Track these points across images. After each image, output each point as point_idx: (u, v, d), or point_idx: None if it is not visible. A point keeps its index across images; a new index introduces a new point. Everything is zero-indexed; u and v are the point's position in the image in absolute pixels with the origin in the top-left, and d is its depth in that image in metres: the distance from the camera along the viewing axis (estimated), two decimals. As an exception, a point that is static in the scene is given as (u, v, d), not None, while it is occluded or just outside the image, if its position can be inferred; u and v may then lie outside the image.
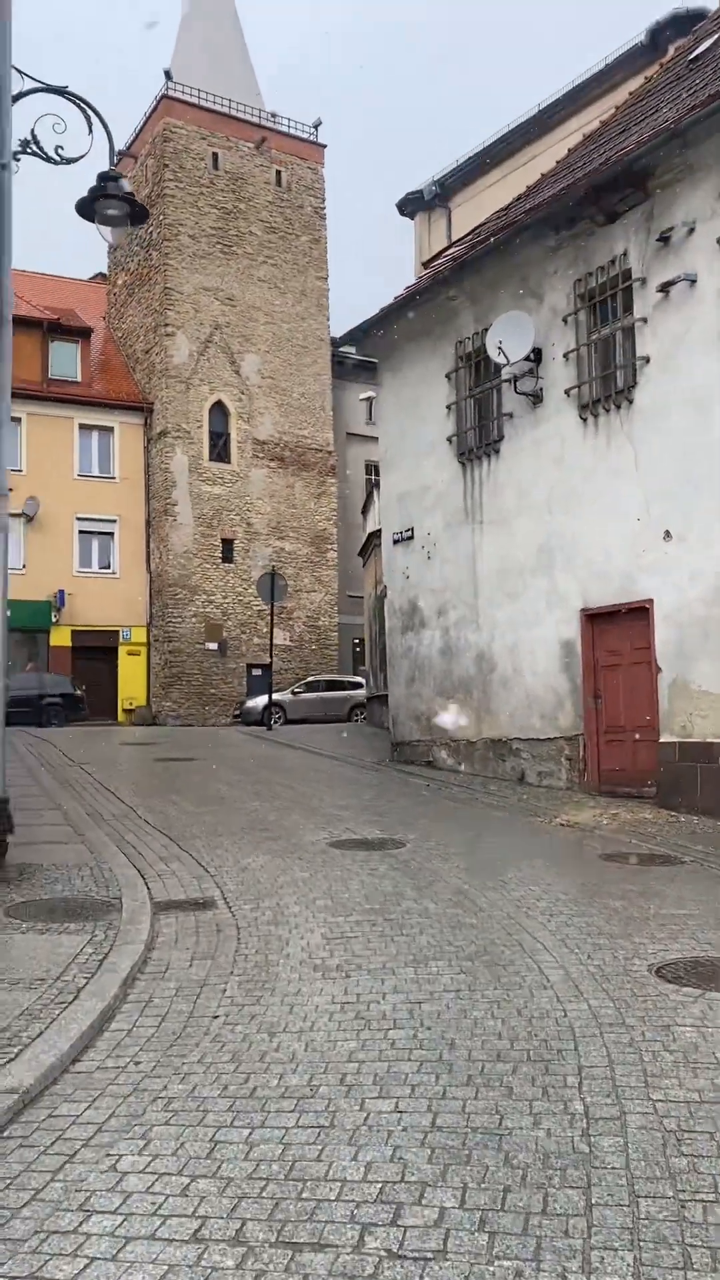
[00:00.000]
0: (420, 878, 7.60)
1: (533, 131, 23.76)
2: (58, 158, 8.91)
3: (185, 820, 10.20)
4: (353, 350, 39.30)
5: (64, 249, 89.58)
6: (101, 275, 41.44)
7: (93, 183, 8.86)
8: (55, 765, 14.83)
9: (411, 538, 14.89)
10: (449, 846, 8.87)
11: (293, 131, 37.33)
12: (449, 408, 14.14)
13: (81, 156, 8.99)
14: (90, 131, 9.01)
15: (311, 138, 37.78)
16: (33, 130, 8.90)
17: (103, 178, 8.98)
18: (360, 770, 14.80)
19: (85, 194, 8.96)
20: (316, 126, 37.93)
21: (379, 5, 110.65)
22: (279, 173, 36.65)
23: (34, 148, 8.94)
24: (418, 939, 5.97)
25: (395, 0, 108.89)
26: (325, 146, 37.96)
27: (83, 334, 35.01)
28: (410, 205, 26.68)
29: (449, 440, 14.12)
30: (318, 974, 5.35)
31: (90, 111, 8.94)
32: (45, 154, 9.15)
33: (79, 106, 8.88)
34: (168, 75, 34.73)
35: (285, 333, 36.09)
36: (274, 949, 5.83)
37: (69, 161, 8.97)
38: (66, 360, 34.55)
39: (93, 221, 9.15)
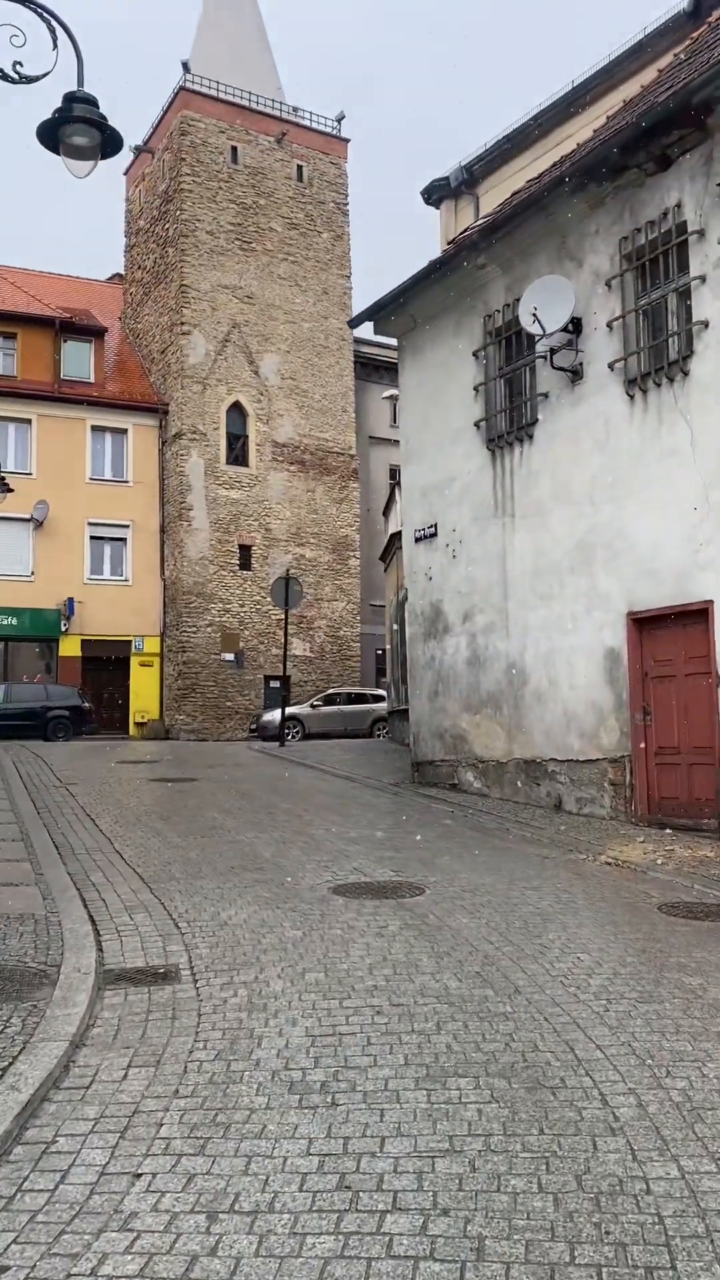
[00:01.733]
0: (440, 939, 6.10)
1: (565, 111, 22.35)
2: (15, 75, 7.56)
3: (166, 855, 8.75)
4: (376, 352, 37.96)
5: (80, 250, 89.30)
6: (118, 276, 40.38)
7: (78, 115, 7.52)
8: (39, 786, 13.45)
9: (435, 535, 13.42)
10: (476, 894, 7.36)
11: (315, 125, 36.10)
12: (476, 389, 12.68)
13: (45, 74, 7.60)
14: (55, 46, 7.67)
15: (334, 131, 36.52)
16: (-14, 42, 7.60)
17: (69, 99, 7.63)
18: (377, 794, 13.30)
19: (57, 120, 7.64)
20: (339, 120, 36.70)
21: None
22: (300, 167, 35.42)
23: (-13, 62, 7.64)
24: (434, 1039, 4.47)
25: None
26: (348, 141, 36.70)
27: (96, 333, 33.86)
28: (436, 192, 25.29)
29: (476, 426, 12.66)
30: (294, 1099, 3.87)
31: (54, 21, 7.58)
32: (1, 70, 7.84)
33: (39, 13, 7.53)
34: (185, 67, 33.62)
35: (306, 332, 34.78)
36: (241, 1052, 4.36)
37: (30, 80, 7.59)
38: (79, 360, 33.38)
39: (56, 152, 7.80)
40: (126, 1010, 4.92)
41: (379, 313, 13.82)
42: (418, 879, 7.85)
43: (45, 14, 7.52)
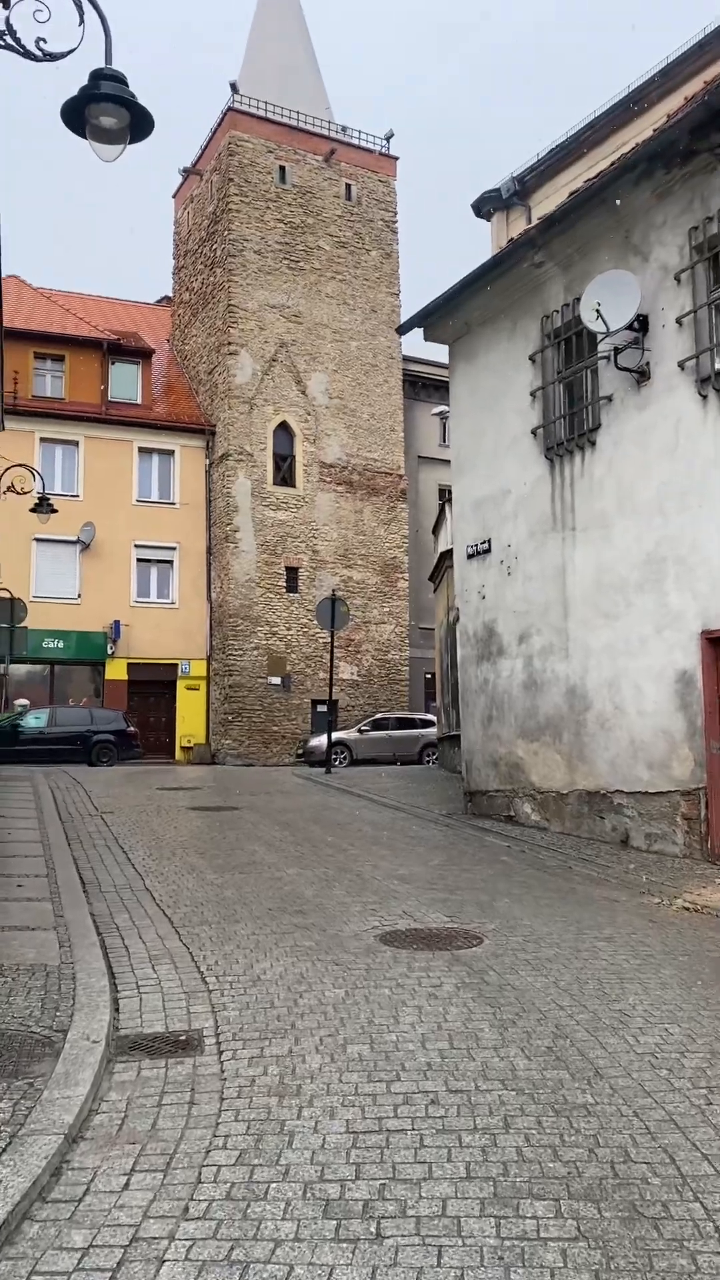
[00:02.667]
0: (503, 1003, 5.30)
1: (622, 116, 21.64)
2: (39, 52, 7.04)
3: (200, 895, 8.05)
4: (425, 370, 37.36)
5: (129, 275, 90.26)
6: (166, 299, 40.37)
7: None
8: (74, 814, 12.86)
9: (488, 550, 12.66)
10: (540, 944, 6.54)
11: (363, 143, 35.81)
12: (534, 395, 11.94)
13: (70, 51, 7.05)
14: (81, 22, 7.12)
15: (383, 150, 36.19)
16: (7, 19, 7.11)
17: (96, 76, 7.08)
18: (427, 826, 12.50)
19: (83, 99, 7.09)
20: (388, 138, 36.36)
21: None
22: (349, 186, 35.10)
23: (7, 39, 7.14)
24: (501, 1141, 3.69)
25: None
26: (397, 159, 36.34)
27: (143, 355, 33.72)
28: (487, 204, 24.70)
29: (533, 433, 11.91)
30: (329, 1226, 3.12)
31: (80, -7, 7.03)
32: (22, 47, 7.33)
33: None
34: (234, 88, 33.53)
35: (354, 351, 34.33)
36: (268, 1154, 3.61)
37: (53, 57, 7.07)
38: (127, 382, 33.24)
39: (82, 135, 7.25)
40: (137, 1090, 4.20)
41: (430, 317, 13.16)
42: (475, 925, 7.05)
43: (70, -14, 6.99)
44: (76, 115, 7.13)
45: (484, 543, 12.72)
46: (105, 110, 7.08)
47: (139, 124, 7.16)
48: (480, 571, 12.85)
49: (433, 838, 11.45)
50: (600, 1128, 3.80)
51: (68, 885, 8.22)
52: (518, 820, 12.10)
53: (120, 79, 7.08)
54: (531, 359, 12.00)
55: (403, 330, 13.54)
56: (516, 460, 12.18)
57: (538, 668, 11.69)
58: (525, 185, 24.32)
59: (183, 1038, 4.84)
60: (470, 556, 13.05)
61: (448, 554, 19.81)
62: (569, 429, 11.54)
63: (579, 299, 11.14)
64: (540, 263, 11.68)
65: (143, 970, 5.92)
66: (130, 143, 7.31)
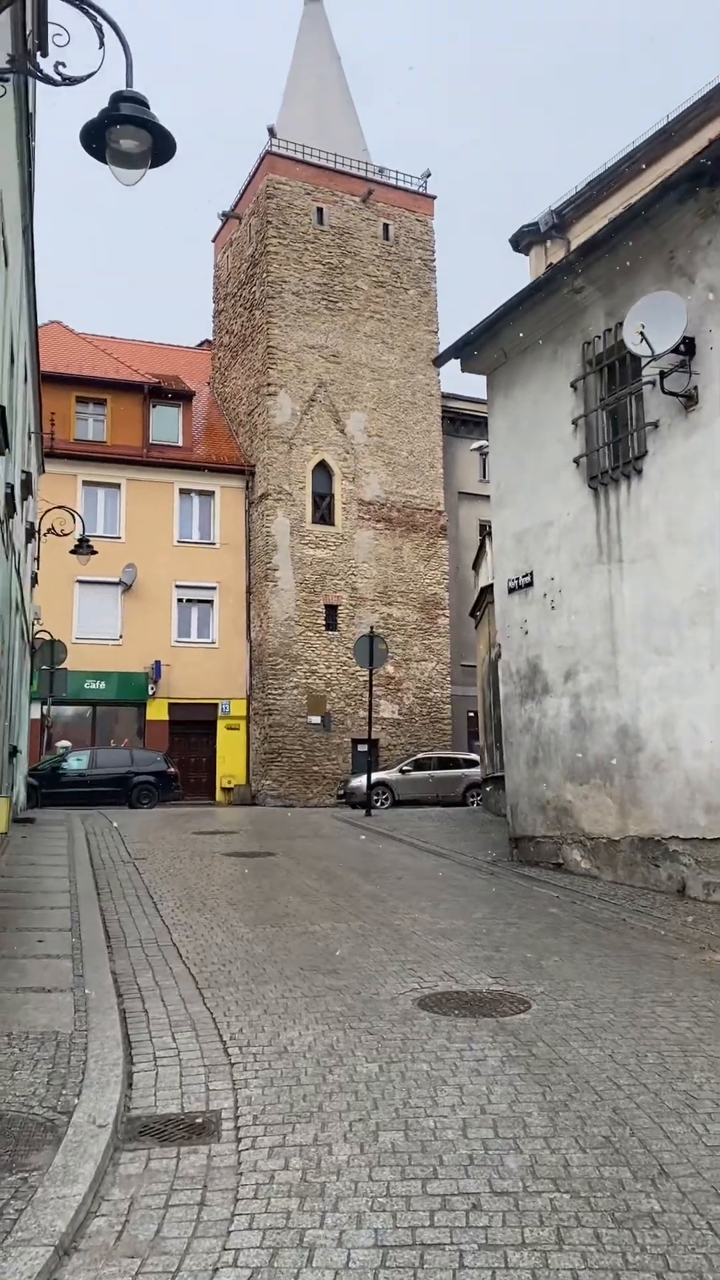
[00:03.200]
0: (553, 1081, 4.78)
1: (662, 147, 21.36)
2: (58, 77, 6.84)
3: (228, 950, 7.60)
4: (464, 407, 37.14)
5: (170, 321, 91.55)
6: (207, 342, 40.70)
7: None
8: (106, 861, 12.50)
9: (530, 584, 12.20)
10: (593, 1009, 6.00)
11: (400, 184, 35.98)
12: (575, 423, 11.53)
13: (91, 75, 6.87)
14: (101, 45, 6.92)
15: (420, 189, 36.35)
16: (25, 42, 6.94)
17: (117, 99, 6.85)
18: (471, 874, 11.94)
19: (104, 122, 6.87)
20: (425, 177, 36.53)
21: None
22: (386, 226, 35.23)
23: (29, 64, 6.97)
24: (554, 1261, 3.18)
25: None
26: (434, 198, 36.45)
27: (184, 398, 33.90)
28: (525, 238, 24.49)
29: (576, 463, 11.48)
30: None
31: (99, 16, 6.83)
32: (40, 72, 7.17)
33: (84, 9, 6.79)
34: (271, 132, 33.91)
35: (393, 389, 34.23)
36: (282, 1274, 3.13)
37: (73, 82, 6.88)
38: (168, 425, 33.43)
39: (103, 161, 7.02)
40: (143, 1186, 3.75)
41: (467, 346, 12.84)
42: (522, 988, 6.52)
43: (90, 10, 6.80)
44: (98, 138, 6.92)
45: (526, 576, 12.26)
46: (126, 133, 6.87)
47: (162, 147, 6.94)
48: (522, 606, 12.39)
49: (476, 887, 10.90)
50: (670, 1244, 3.27)
51: (91, 941, 7.81)
52: (566, 868, 11.51)
53: (141, 100, 6.86)
54: (573, 386, 11.61)
55: (439, 361, 13.22)
56: (558, 491, 11.75)
57: (586, 706, 11.16)
58: (563, 218, 24.08)
59: (199, 1120, 4.39)
60: (512, 590, 12.60)
61: (488, 589, 19.37)
62: (613, 457, 11.10)
63: (621, 324, 10.75)
64: (580, 288, 11.32)
65: (162, 1039, 5.47)
66: (152, 166, 7.08)
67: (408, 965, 7.12)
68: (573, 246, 23.13)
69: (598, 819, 11.02)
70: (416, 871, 12.00)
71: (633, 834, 10.48)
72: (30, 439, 20.30)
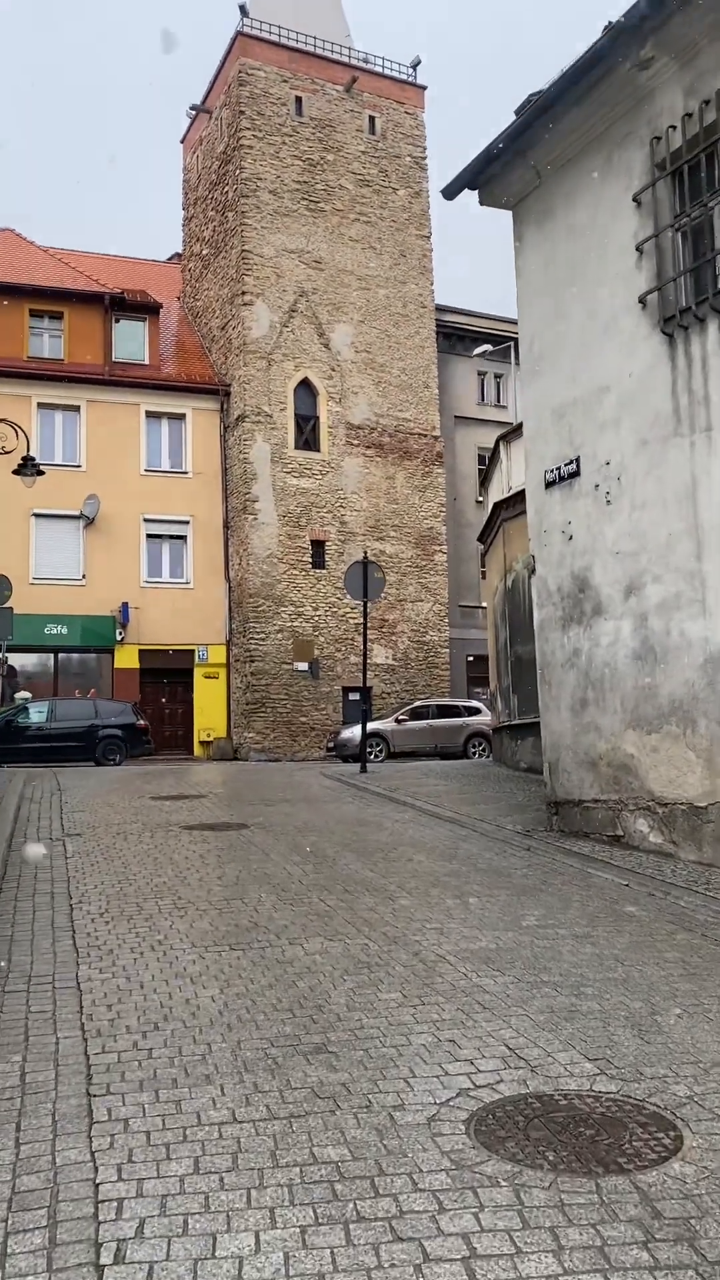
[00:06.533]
0: None
1: None
2: None
3: (157, 999, 4.83)
4: (460, 320, 33.76)
5: (138, 235, 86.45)
6: (177, 256, 37.18)
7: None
8: (32, 838, 9.72)
9: (576, 474, 9.32)
10: None
11: (388, 72, 32.35)
12: (640, 249, 8.57)
13: None
14: None
15: (409, 78, 32.72)
16: None
17: None
18: (502, 851, 9.17)
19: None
20: (415, 66, 32.88)
21: None
22: (372, 119, 31.67)
23: None
24: None
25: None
26: (425, 88, 32.82)
27: (150, 310, 30.51)
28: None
29: (641, 303, 8.55)
30: None
31: None
32: None
33: None
34: (243, 11, 30.21)
35: (382, 299, 30.93)
36: None
37: None
38: (132, 340, 30.11)
39: None
40: None
41: (490, 164, 9.82)
42: (649, 1085, 3.76)
43: None
44: None
45: (570, 463, 9.38)
46: None
47: None
48: (566, 504, 9.52)
49: (515, 872, 8.14)
50: None
51: (-55, 984, 5.02)
52: (628, 841, 8.78)
53: None
54: (635, 200, 8.63)
55: (450, 191, 10.18)
56: (616, 344, 8.82)
57: (656, 629, 8.35)
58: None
59: None
60: (550, 485, 9.72)
61: (502, 504, 16.47)
62: (695, 290, 8.17)
63: (709, 102, 7.79)
64: (648, 60, 8.29)
65: (-22, 1254, 2.70)
66: None
67: (442, 1030, 4.36)
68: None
69: (674, 778, 8.26)
70: (431, 849, 9.24)
71: (730, 800, 7.73)
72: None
